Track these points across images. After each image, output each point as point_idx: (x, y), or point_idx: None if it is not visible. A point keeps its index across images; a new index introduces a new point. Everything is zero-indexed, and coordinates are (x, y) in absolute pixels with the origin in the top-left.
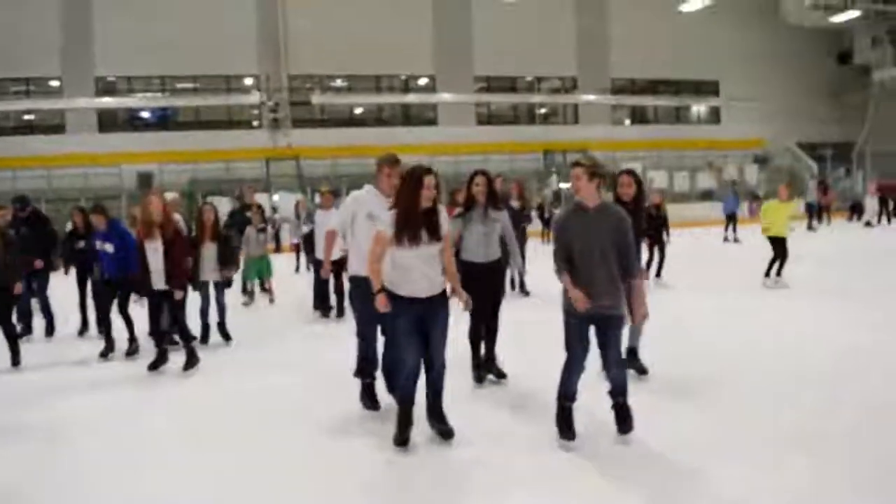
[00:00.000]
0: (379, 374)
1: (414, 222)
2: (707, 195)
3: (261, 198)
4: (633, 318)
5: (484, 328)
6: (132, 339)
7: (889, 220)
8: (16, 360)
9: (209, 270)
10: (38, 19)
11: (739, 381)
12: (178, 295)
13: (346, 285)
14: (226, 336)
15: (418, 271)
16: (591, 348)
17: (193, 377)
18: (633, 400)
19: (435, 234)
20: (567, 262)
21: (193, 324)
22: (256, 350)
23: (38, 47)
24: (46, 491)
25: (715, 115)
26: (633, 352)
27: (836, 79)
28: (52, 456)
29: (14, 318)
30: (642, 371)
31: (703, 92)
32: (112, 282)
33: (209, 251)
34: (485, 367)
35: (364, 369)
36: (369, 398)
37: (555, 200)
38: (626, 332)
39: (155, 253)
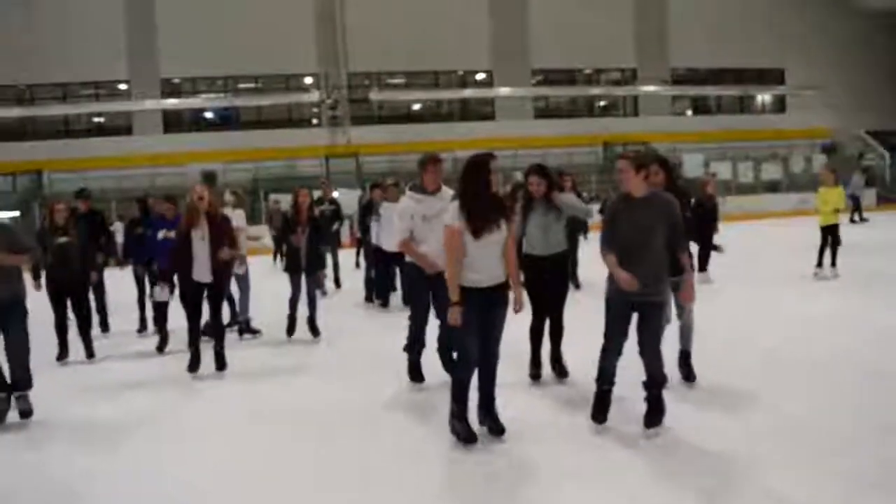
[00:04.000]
0: (427, 353)
1: (486, 209)
2: (773, 186)
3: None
4: (682, 297)
5: (548, 324)
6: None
7: None
8: (89, 353)
9: (304, 258)
10: (105, 25)
11: (786, 379)
12: (237, 265)
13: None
14: (314, 331)
15: (483, 261)
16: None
17: (243, 375)
18: (681, 396)
19: (503, 221)
20: (614, 248)
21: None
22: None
23: (106, 52)
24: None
25: (780, 104)
26: (685, 355)
27: None
28: (108, 448)
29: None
30: (689, 378)
31: (767, 80)
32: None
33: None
34: (552, 366)
35: (412, 347)
36: (416, 372)
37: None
38: (676, 333)
39: (200, 242)
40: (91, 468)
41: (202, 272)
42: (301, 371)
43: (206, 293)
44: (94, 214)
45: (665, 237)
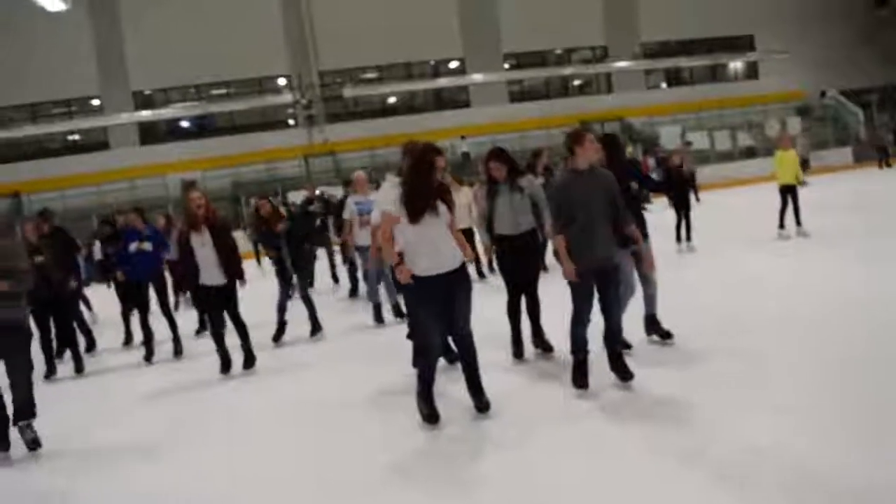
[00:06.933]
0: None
1: (424, 201)
2: (750, 153)
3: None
4: (644, 267)
5: (526, 301)
6: (176, 339)
7: None
8: (79, 367)
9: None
10: (73, 43)
11: (751, 339)
12: (241, 284)
13: None
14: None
15: (430, 247)
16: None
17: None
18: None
19: (444, 207)
20: (566, 223)
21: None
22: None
23: (76, 69)
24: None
25: (752, 70)
26: (651, 318)
27: (875, 22)
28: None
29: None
30: (666, 336)
31: (738, 47)
32: (144, 283)
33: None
34: (534, 342)
35: (414, 333)
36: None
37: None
38: (641, 301)
39: (202, 247)
40: (98, 489)
41: (212, 275)
42: (306, 367)
43: (219, 295)
44: (58, 233)
45: (609, 216)
